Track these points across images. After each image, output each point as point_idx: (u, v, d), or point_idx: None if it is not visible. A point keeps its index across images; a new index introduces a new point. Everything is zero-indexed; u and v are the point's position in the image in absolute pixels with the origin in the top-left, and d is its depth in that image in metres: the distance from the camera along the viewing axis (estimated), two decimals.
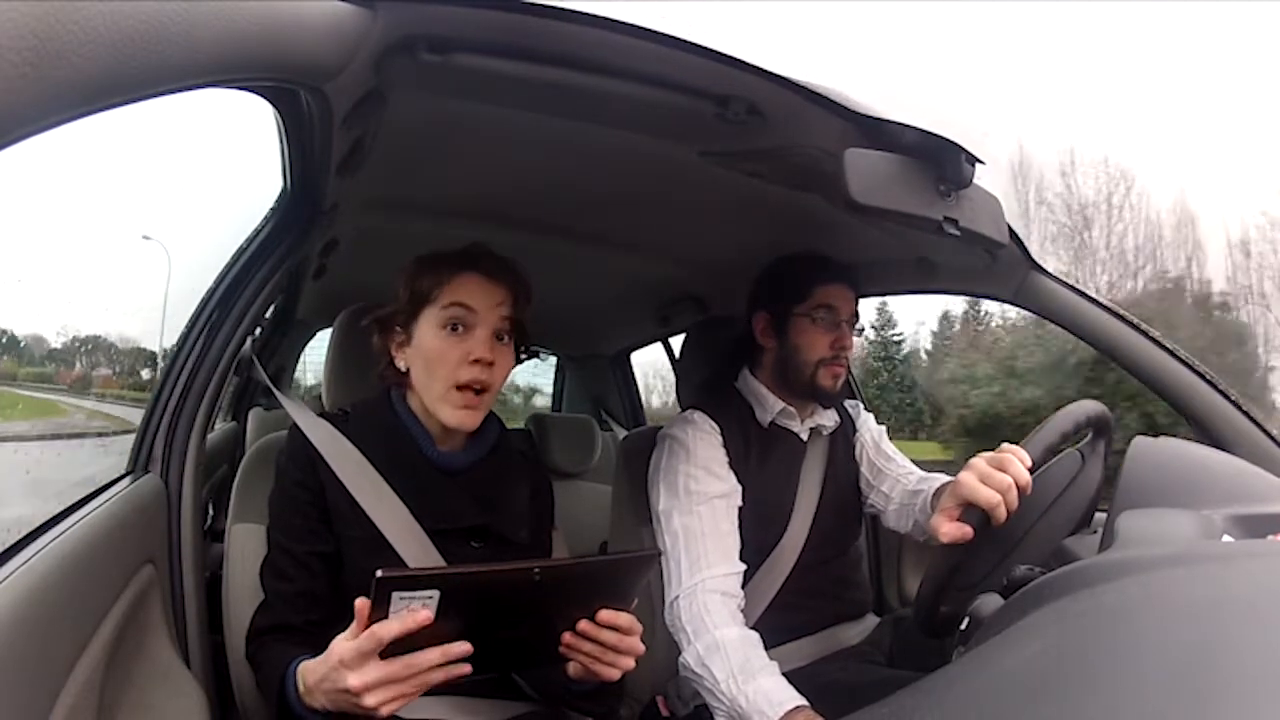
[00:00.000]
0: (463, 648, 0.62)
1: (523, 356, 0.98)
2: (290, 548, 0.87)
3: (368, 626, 0.61)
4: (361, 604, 0.61)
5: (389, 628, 0.60)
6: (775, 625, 1.11)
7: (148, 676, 0.81)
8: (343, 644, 0.63)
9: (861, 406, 1.36)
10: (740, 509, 1.11)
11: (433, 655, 0.61)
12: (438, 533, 0.89)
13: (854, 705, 0.57)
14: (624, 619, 0.71)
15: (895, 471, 1.24)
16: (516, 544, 0.94)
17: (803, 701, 0.90)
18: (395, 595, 0.59)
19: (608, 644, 0.71)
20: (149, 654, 0.83)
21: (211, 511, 1.70)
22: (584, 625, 0.69)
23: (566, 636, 0.70)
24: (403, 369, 0.92)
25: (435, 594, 0.60)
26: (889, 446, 1.29)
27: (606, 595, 0.70)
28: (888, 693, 0.54)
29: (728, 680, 0.93)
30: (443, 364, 0.87)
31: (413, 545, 0.87)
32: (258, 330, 1.96)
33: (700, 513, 1.07)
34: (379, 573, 0.58)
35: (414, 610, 0.59)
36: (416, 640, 0.61)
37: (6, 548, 0.65)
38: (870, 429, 1.30)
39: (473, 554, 0.90)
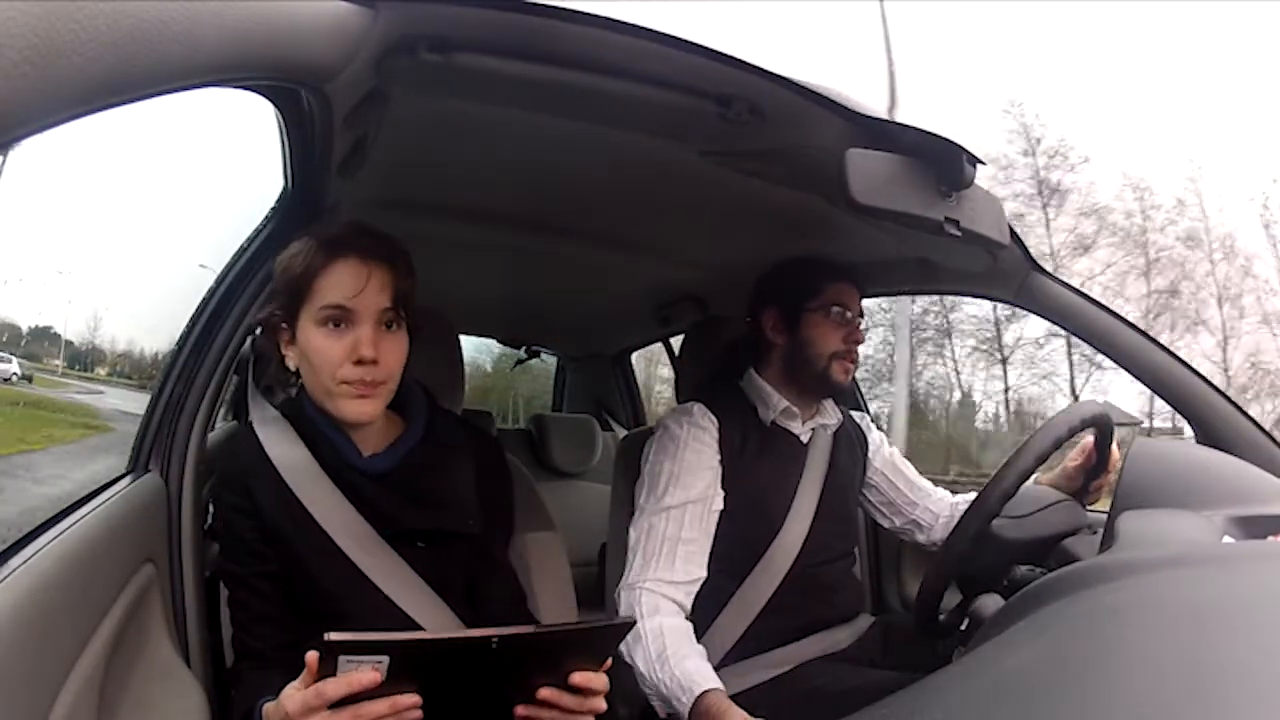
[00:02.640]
0: (411, 700, 0.61)
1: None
2: (234, 571, 0.85)
3: (317, 680, 0.60)
4: (311, 657, 0.60)
5: (335, 687, 0.58)
6: (767, 629, 1.11)
7: (148, 675, 0.81)
8: (292, 694, 0.62)
9: (869, 420, 1.36)
10: (734, 507, 1.11)
11: (380, 708, 0.60)
12: (383, 537, 0.87)
13: (841, 710, 0.58)
14: (597, 681, 0.68)
15: (932, 495, 1.30)
16: (465, 535, 0.90)
17: (717, 685, 0.92)
18: (342, 658, 0.58)
19: (568, 708, 0.68)
20: (149, 653, 0.83)
21: (212, 510, 1.70)
22: (545, 693, 0.66)
23: (520, 710, 0.67)
24: (293, 369, 0.87)
25: (385, 659, 0.58)
26: (912, 473, 1.32)
27: (577, 658, 0.68)
28: (875, 696, 0.54)
29: (649, 667, 0.96)
30: (325, 362, 0.81)
31: (369, 551, 0.85)
32: (258, 330, 1.96)
33: (670, 516, 1.07)
34: (326, 636, 0.57)
35: (362, 671, 0.58)
36: (367, 693, 0.60)
37: (7, 546, 0.65)
38: (884, 454, 1.31)
39: (419, 555, 0.87)
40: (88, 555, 0.70)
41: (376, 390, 0.82)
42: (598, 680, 0.68)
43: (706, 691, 0.91)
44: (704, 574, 1.07)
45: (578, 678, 0.67)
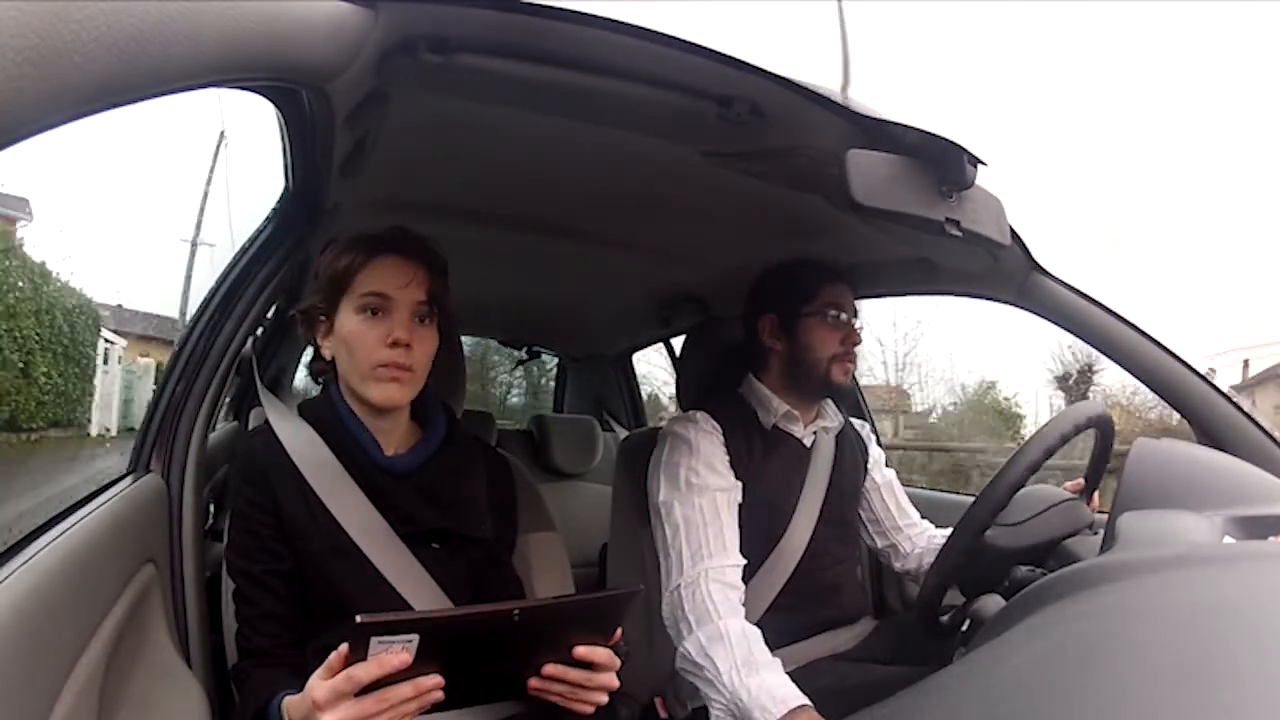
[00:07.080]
0: (435, 680, 0.62)
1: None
2: (246, 569, 0.85)
3: (345, 667, 0.61)
4: (340, 649, 0.61)
5: (367, 670, 0.60)
6: (771, 628, 1.11)
7: (148, 676, 0.81)
8: (319, 684, 0.63)
9: (868, 428, 1.36)
10: (740, 508, 1.11)
11: (405, 690, 0.62)
12: (399, 537, 0.88)
13: (846, 709, 0.57)
14: (600, 654, 0.70)
15: (916, 525, 1.30)
16: (478, 540, 0.93)
17: (806, 701, 0.89)
18: (374, 640, 0.59)
19: (576, 683, 0.70)
20: (149, 653, 0.83)
21: (213, 511, 1.70)
22: (551, 669, 0.68)
23: (534, 682, 0.69)
24: (329, 359, 0.90)
25: (414, 638, 0.60)
26: (904, 498, 1.31)
27: (587, 631, 0.70)
28: (879, 696, 0.54)
29: (730, 671, 0.92)
30: (361, 345, 0.86)
31: (385, 550, 0.86)
32: (259, 330, 1.97)
33: (701, 504, 1.07)
34: (358, 618, 0.58)
35: (392, 653, 0.59)
36: (392, 678, 0.61)
37: (7, 547, 0.65)
38: (882, 470, 1.31)
39: (432, 556, 0.89)
40: (88, 555, 0.70)
41: (406, 376, 0.87)
42: (603, 654, 0.70)
43: (802, 707, 0.87)
44: (743, 560, 1.06)
45: (581, 650, 0.69)
